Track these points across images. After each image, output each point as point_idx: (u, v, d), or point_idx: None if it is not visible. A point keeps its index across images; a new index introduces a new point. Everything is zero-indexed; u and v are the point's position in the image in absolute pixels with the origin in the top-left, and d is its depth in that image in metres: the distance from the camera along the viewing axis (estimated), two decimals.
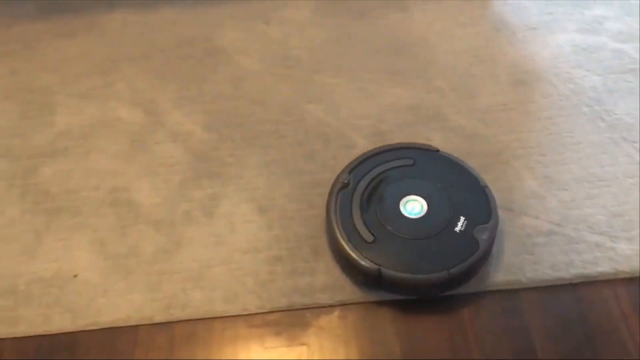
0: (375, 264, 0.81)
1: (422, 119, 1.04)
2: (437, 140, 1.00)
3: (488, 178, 0.95)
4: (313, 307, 0.84)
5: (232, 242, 0.91)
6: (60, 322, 0.83)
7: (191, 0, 1.23)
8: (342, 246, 0.83)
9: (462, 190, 0.88)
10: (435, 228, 0.84)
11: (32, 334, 0.82)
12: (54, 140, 1.02)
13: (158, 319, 0.84)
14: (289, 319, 0.83)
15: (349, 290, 0.85)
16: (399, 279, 0.80)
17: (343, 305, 0.84)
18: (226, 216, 0.93)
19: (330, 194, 0.89)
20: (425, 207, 0.86)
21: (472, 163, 0.96)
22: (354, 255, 0.82)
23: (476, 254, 0.81)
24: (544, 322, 0.82)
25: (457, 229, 0.83)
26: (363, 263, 0.81)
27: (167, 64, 1.12)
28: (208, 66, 1.13)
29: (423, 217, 0.86)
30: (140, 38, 1.16)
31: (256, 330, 0.83)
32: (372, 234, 0.84)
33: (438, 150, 0.94)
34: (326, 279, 0.86)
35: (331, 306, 0.84)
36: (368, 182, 0.89)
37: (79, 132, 1.03)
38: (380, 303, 0.83)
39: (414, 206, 0.87)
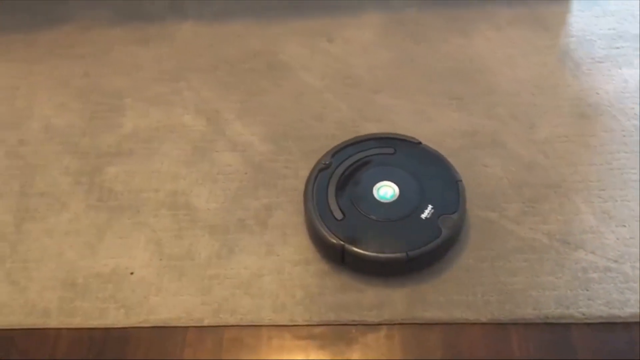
0: (340, 240, 0.86)
1: (480, 145, 1.04)
2: (495, 167, 1.00)
3: (545, 209, 0.94)
4: (360, 324, 0.84)
5: (284, 253, 0.92)
6: (114, 317, 0.86)
7: (258, 15, 1.27)
8: (313, 221, 0.89)
9: (436, 182, 0.93)
10: (403, 213, 0.89)
11: (87, 326, 0.86)
12: (120, 142, 1.06)
13: (207, 322, 0.86)
14: (335, 334, 0.84)
15: (398, 310, 0.85)
16: (360, 256, 0.85)
17: (391, 324, 0.84)
18: (279, 227, 0.95)
19: (311, 173, 0.95)
20: (397, 193, 0.91)
21: (529, 193, 0.96)
22: (322, 230, 0.88)
23: (436, 241, 0.86)
24: (595, 359, 0.80)
25: (423, 216, 0.88)
26: (329, 238, 0.87)
27: (232, 75, 1.16)
28: (271, 80, 1.16)
29: (393, 202, 0.90)
30: (209, 49, 1.20)
31: (302, 342, 0.84)
32: (343, 213, 0.89)
33: (420, 143, 0.99)
34: (374, 297, 0.86)
35: (378, 324, 0.84)
36: (348, 166, 0.95)
37: (145, 136, 1.07)
38: (429, 325, 0.83)
39: (386, 191, 0.91)
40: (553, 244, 0.91)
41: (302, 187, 0.99)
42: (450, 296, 0.86)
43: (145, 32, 1.24)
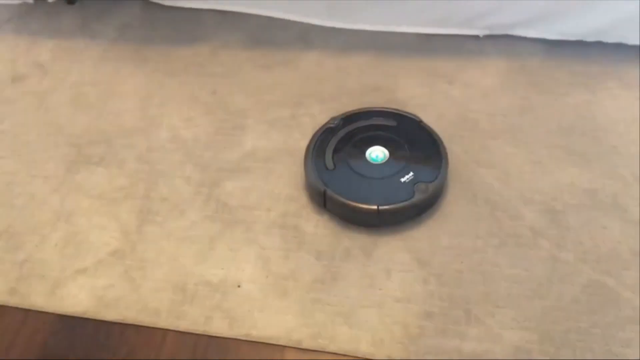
0: (325, 185, 1.00)
1: (599, 205, 1.00)
2: (614, 230, 0.96)
3: None
4: None
5: (386, 288, 0.92)
6: (218, 326, 0.89)
7: (381, 51, 1.30)
8: (308, 166, 1.03)
9: (424, 155, 1.05)
10: (385, 174, 1.02)
11: (192, 331, 0.89)
12: (240, 159, 1.11)
13: (305, 344, 0.87)
14: None
15: None
16: (338, 203, 0.99)
17: None
18: (383, 261, 0.96)
19: (319, 129, 1.10)
20: (387, 157, 1.04)
21: None
22: (312, 174, 1.02)
23: (406, 202, 0.98)
24: None
25: (403, 179, 1.00)
26: (316, 183, 1.01)
27: (350, 106, 1.18)
28: None
29: (381, 164, 1.04)
30: (330, 79, 1.23)
31: None
32: (334, 165, 1.03)
33: (421, 121, 1.10)
34: (476, 347, 0.85)
35: None
36: (352, 129, 1.09)
37: (263, 156, 1.11)
38: None
39: (377, 154, 1.04)
40: None
41: (408, 222, 1.00)
42: (557, 358, 0.83)
43: (272, 57, 1.30)
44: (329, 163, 1.04)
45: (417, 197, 0.98)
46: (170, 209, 1.04)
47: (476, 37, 1.30)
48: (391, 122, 1.10)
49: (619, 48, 1.24)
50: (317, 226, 1.01)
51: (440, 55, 1.28)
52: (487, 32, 1.30)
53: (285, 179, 1.07)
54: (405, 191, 0.99)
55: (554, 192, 1.03)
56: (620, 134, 1.11)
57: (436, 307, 0.90)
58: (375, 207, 0.97)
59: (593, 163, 1.07)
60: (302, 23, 1.37)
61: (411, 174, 1.01)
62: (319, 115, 1.17)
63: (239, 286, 0.94)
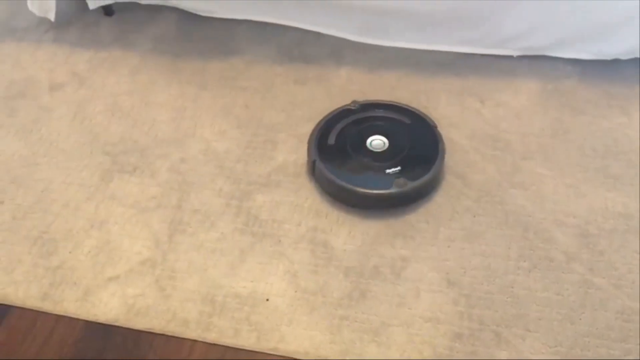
0: (317, 156, 1.07)
1: (634, 230, 0.98)
2: None
3: None
4: None
5: (415, 307, 0.92)
6: (246, 339, 0.90)
7: (412, 68, 1.30)
8: (311, 138, 1.11)
9: (421, 156, 1.08)
10: (375, 162, 1.07)
11: (220, 343, 0.90)
12: (270, 173, 1.11)
13: None
14: None
15: None
16: (323, 175, 1.06)
17: None
18: (412, 280, 0.95)
19: (337, 108, 1.16)
20: (384, 148, 1.09)
21: None
22: (311, 146, 1.10)
23: (381, 190, 1.03)
24: None
25: (388, 171, 1.05)
26: (311, 152, 1.09)
27: None
28: None
29: (376, 152, 1.09)
30: (360, 95, 1.23)
31: None
32: (335, 142, 1.10)
33: (435, 127, 1.13)
34: None
35: None
36: (366, 115, 1.15)
37: (293, 170, 1.12)
38: None
39: (377, 143, 1.10)
40: None
41: (439, 243, 0.99)
42: None
43: (304, 73, 1.30)
44: (331, 140, 1.10)
45: (392, 190, 1.02)
46: (201, 220, 1.05)
47: (510, 56, 1.30)
48: (406, 119, 1.14)
49: None
50: (347, 242, 1.01)
51: (473, 74, 1.28)
52: (521, 53, 1.29)
53: (315, 194, 1.08)
54: (385, 181, 1.04)
55: (587, 215, 1.01)
56: None
57: (466, 329, 0.89)
58: (352, 187, 1.03)
59: (628, 187, 1.05)
60: (335, 38, 1.38)
61: (398, 168, 1.05)
62: None
63: (267, 300, 0.94)
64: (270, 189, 1.09)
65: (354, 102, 1.16)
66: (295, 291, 0.95)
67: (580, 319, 0.89)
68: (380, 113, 1.15)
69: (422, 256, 0.98)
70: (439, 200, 1.06)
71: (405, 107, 1.17)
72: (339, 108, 1.16)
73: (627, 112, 1.18)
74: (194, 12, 1.42)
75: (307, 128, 1.19)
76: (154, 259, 1.00)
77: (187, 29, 1.42)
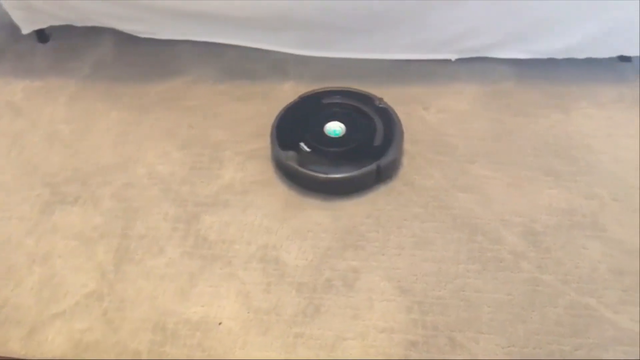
0: (276, 128, 1.16)
1: (578, 225, 1.01)
2: (594, 250, 0.96)
3: None
4: None
5: (369, 318, 0.92)
6: None
7: (356, 80, 1.30)
8: (276, 120, 1.18)
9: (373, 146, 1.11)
10: (320, 137, 1.13)
11: None
12: (217, 192, 1.10)
13: None
14: None
15: None
16: (273, 147, 1.13)
17: None
18: (365, 291, 0.95)
19: (306, 93, 1.23)
20: (341, 133, 1.13)
21: (630, 281, 0.92)
22: (276, 122, 1.17)
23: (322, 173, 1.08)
24: None
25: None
26: (275, 124, 1.17)
27: None
28: None
29: (330, 134, 1.13)
30: None
31: None
32: (303, 118, 1.17)
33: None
34: None
35: None
36: (331, 102, 1.20)
37: (241, 188, 1.10)
38: None
39: (334, 129, 1.14)
40: None
41: (389, 252, 0.99)
42: None
43: (248, 89, 1.30)
44: (297, 116, 1.17)
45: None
46: (148, 247, 1.02)
47: (449, 61, 1.32)
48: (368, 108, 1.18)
49: (590, 66, 1.26)
50: (298, 258, 1.00)
51: (415, 81, 1.29)
52: (460, 56, 1.31)
53: (264, 211, 1.07)
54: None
55: (532, 213, 1.03)
56: (595, 154, 1.12)
57: (420, 336, 0.89)
58: (292, 153, 1.10)
59: (570, 183, 1.07)
60: (277, 52, 1.37)
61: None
62: None
63: (220, 323, 0.92)
64: (218, 209, 1.08)
65: (324, 91, 1.23)
66: (248, 312, 0.93)
67: (530, 317, 0.90)
68: (343, 99, 1.20)
69: (373, 266, 0.98)
70: (388, 209, 1.06)
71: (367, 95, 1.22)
72: (306, 94, 1.22)
73: (565, 109, 1.21)
74: (133, 34, 1.39)
75: (253, 144, 1.18)
76: (100, 290, 0.97)
77: (125, 53, 1.40)
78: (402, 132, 1.13)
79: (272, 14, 1.25)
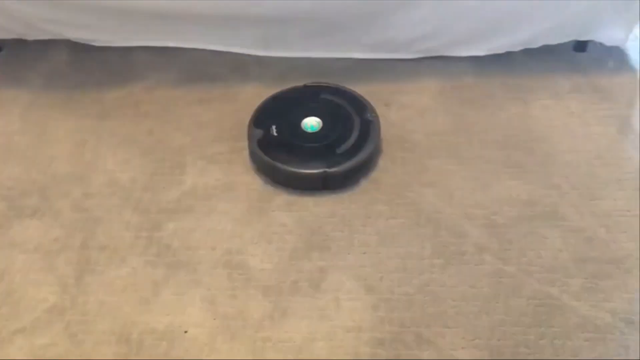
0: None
1: (539, 215, 1.02)
2: (555, 239, 0.98)
3: (608, 286, 0.92)
4: None
5: (336, 318, 0.91)
6: None
7: (316, 78, 1.29)
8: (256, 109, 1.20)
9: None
10: (295, 131, 1.14)
11: None
12: (180, 198, 1.08)
13: None
14: None
15: None
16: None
17: None
18: (332, 291, 0.95)
19: (291, 87, 1.25)
20: (318, 128, 1.14)
21: (591, 268, 0.94)
22: (254, 115, 1.18)
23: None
24: None
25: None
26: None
27: None
28: None
29: (305, 128, 1.14)
30: None
31: None
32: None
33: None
34: None
35: None
36: (331, 97, 1.21)
37: (203, 193, 1.09)
38: None
39: (311, 124, 1.15)
40: (617, 324, 0.88)
41: (355, 250, 0.99)
42: None
43: (208, 92, 1.28)
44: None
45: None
46: (110, 257, 1.00)
47: (410, 58, 1.32)
48: (341, 101, 1.20)
49: (546, 58, 1.28)
50: (263, 261, 0.99)
51: (376, 78, 1.29)
52: (421, 55, 1.32)
53: (228, 215, 1.06)
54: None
55: (494, 206, 1.04)
56: (553, 144, 1.14)
57: (387, 333, 0.89)
58: (260, 131, 1.13)
59: (530, 174, 1.09)
60: (237, 54, 1.36)
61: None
62: None
63: (185, 332, 0.91)
64: (181, 215, 1.06)
65: (306, 84, 1.24)
66: (214, 319, 0.92)
67: (495, 309, 0.91)
68: (328, 96, 1.21)
69: (339, 265, 0.98)
70: (352, 207, 1.06)
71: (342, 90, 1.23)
72: (292, 88, 1.23)
73: (524, 101, 1.22)
74: (89, 43, 1.36)
75: (216, 148, 1.17)
76: (62, 304, 0.95)
77: (81, 61, 1.37)
78: (376, 149, 1.12)
79: (229, 13, 1.24)
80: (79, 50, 1.37)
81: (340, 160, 1.08)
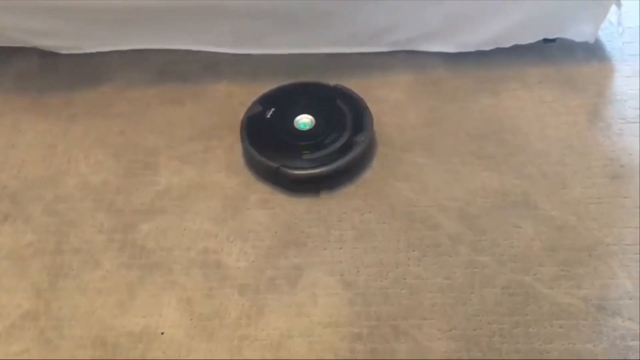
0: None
1: (511, 205, 1.03)
2: (527, 228, 0.99)
3: (579, 273, 0.93)
4: None
5: (314, 314, 0.92)
6: None
7: (290, 75, 1.29)
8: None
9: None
10: (288, 128, 1.14)
11: None
12: (154, 199, 1.08)
13: None
14: None
15: None
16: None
17: None
18: (309, 287, 0.95)
19: (285, 84, 1.24)
20: (312, 124, 1.14)
21: (563, 256, 0.95)
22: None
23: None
24: None
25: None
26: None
27: None
28: None
29: (298, 125, 1.14)
30: (242, 108, 1.21)
31: None
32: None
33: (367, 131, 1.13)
34: None
35: None
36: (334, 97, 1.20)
37: (178, 193, 1.08)
38: None
39: (305, 122, 1.14)
40: (589, 310, 0.89)
41: (331, 246, 1.00)
42: None
43: (180, 91, 1.27)
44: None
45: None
46: (84, 261, 0.99)
47: (382, 52, 1.32)
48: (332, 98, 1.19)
49: (516, 49, 1.29)
50: (239, 260, 0.99)
51: (349, 73, 1.29)
52: (391, 49, 1.32)
53: (203, 215, 1.05)
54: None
55: (467, 197, 1.05)
56: (525, 134, 1.15)
57: (364, 328, 0.90)
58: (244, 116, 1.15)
59: (502, 165, 1.10)
60: (208, 53, 1.35)
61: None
62: (234, 145, 1.16)
63: (162, 333, 0.90)
64: (154, 216, 1.05)
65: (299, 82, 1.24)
66: (191, 319, 0.92)
67: (470, 300, 0.92)
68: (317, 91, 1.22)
69: (315, 262, 0.98)
70: (328, 203, 1.06)
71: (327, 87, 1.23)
72: (286, 85, 1.23)
73: (495, 93, 1.23)
74: (57, 50, 1.34)
75: (189, 148, 1.16)
76: (35, 310, 0.94)
77: (50, 64, 1.34)
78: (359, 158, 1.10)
79: (199, 6, 1.23)
80: (48, 54, 1.35)
81: (305, 166, 1.07)
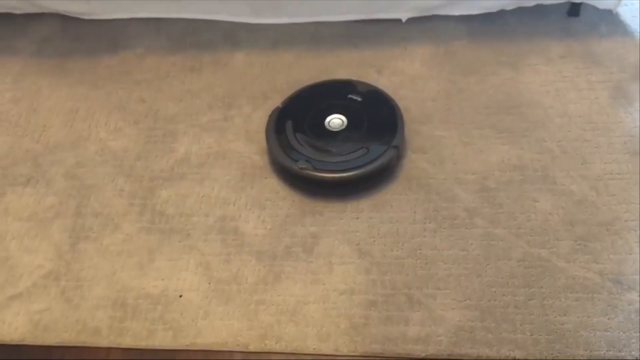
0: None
1: (530, 179, 1.03)
2: (545, 202, 0.99)
3: (596, 248, 0.93)
4: (405, 358, 0.84)
5: (329, 282, 0.93)
6: (162, 339, 0.88)
7: (309, 46, 1.29)
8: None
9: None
10: (317, 127, 1.09)
11: (136, 346, 0.88)
12: (173, 166, 1.09)
13: (253, 347, 0.87)
14: None
15: (444, 344, 0.84)
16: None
17: (436, 359, 0.83)
18: (325, 256, 0.96)
19: (318, 82, 1.19)
20: (344, 124, 1.09)
21: (581, 231, 0.95)
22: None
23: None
24: None
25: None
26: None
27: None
28: None
29: (327, 125, 1.09)
30: (260, 77, 1.22)
31: None
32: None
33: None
34: (420, 330, 0.86)
35: (424, 359, 0.84)
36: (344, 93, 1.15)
37: (197, 161, 1.09)
38: None
39: (336, 123, 1.09)
40: (605, 284, 0.89)
41: (347, 215, 1.00)
42: (498, 334, 0.85)
43: (199, 60, 1.27)
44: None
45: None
46: (104, 224, 1.01)
47: (400, 22, 1.31)
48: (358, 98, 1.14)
49: (539, 22, 1.27)
50: (257, 227, 1.00)
51: (367, 44, 1.29)
52: (411, 15, 1.30)
53: (221, 182, 1.06)
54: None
55: (485, 170, 1.05)
56: (544, 109, 1.14)
57: (379, 296, 0.91)
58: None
59: (521, 139, 1.09)
60: (227, 22, 1.35)
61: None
62: (252, 115, 1.16)
63: (180, 296, 0.92)
64: (174, 182, 1.07)
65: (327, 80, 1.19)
66: (209, 283, 0.94)
67: (485, 271, 0.92)
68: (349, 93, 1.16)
69: (332, 230, 0.99)
70: None
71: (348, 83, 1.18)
72: (318, 83, 1.18)
73: (515, 67, 1.22)
74: (74, 15, 1.35)
75: (208, 116, 1.17)
76: (57, 270, 0.96)
77: (73, 30, 1.35)
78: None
79: None
80: (71, 20, 1.36)
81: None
